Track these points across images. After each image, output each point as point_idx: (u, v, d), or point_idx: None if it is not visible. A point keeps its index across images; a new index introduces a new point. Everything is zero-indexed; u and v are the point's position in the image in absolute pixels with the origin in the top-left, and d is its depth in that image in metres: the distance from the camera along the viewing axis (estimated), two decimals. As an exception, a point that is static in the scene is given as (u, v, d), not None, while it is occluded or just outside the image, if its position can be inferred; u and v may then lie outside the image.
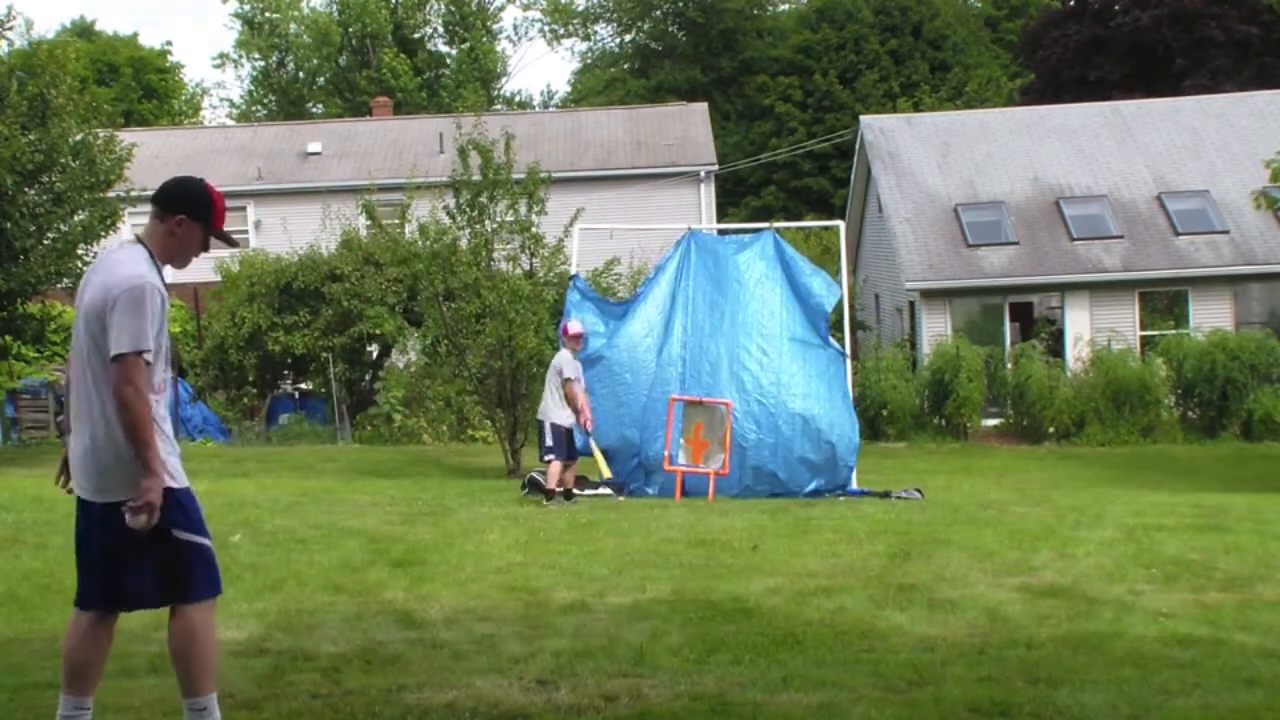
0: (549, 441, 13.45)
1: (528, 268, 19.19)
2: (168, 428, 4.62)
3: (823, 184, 47.65)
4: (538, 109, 57.26)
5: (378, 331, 24.93)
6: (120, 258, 4.63)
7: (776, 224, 16.89)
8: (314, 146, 36.39)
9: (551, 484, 13.34)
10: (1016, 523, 11.22)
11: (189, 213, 4.68)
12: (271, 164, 35.85)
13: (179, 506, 4.59)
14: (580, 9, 60.48)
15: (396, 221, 23.97)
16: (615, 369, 15.36)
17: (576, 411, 13.55)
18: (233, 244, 5.20)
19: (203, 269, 30.90)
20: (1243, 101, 32.51)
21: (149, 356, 4.48)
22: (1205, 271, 27.50)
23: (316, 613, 7.34)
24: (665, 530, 10.79)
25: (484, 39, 58.25)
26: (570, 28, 61.08)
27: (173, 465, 4.61)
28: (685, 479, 14.59)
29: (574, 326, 14.11)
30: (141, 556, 4.55)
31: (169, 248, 4.70)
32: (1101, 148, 30.78)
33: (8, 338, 21.13)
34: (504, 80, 61.74)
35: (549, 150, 32.29)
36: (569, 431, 13.60)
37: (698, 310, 15.54)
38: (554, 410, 13.51)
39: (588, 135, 36.67)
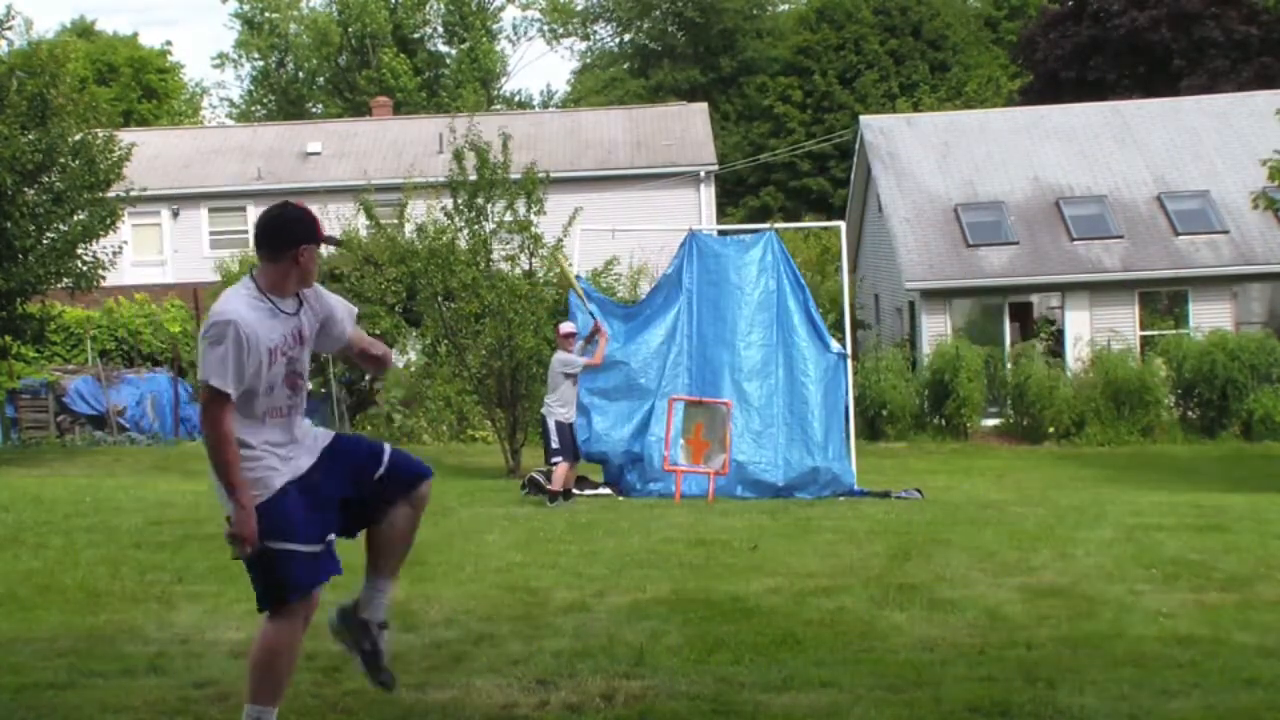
0: (554, 444, 13.50)
1: (527, 267, 19.19)
2: (284, 451, 4.76)
3: (822, 184, 47.63)
4: (537, 109, 57.23)
5: (377, 332, 24.91)
6: (224, 294, 4.76)
7: (776, 224, 16.85)
8: (314, 146, 36.39)
9: (556, 486, 13.37)
10: (1016, 523, 11.22)
11: (307, 239, 4.78)
12: (271, 164, 35.85)
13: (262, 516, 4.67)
14: (580, 9, 60.51)
15: (395, 221, 23.97)
16: (632, 374, 15.24)
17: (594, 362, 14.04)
18: (339, 243, 5.58)
19: (203, 269, 31.16)
20: (1243, 102, 32.47)
21: (219, 386, 4.54)
22: (1205, 271, 27.49)
23: (317, 612, 7.33)
24: (665, 530, 10.79)
25: (484, 39, 58.21)
26: (570, 27, 61.10)
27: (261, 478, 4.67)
28: (684, 480, 14.58)
29: (564, 327, 14.17)
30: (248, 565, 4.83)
31: (294, 278, 4.78)
32: (1101, 148, 30.75)
33: (8, 338, 21.12)
34: (504, 80, 61.76)
35: (548, 150, 32.28)
36: (571, 428, 13.69)
37: (701, 316, 15.49)
38: (556, 408, 13.58)
39: (587, 135, 36.65)
